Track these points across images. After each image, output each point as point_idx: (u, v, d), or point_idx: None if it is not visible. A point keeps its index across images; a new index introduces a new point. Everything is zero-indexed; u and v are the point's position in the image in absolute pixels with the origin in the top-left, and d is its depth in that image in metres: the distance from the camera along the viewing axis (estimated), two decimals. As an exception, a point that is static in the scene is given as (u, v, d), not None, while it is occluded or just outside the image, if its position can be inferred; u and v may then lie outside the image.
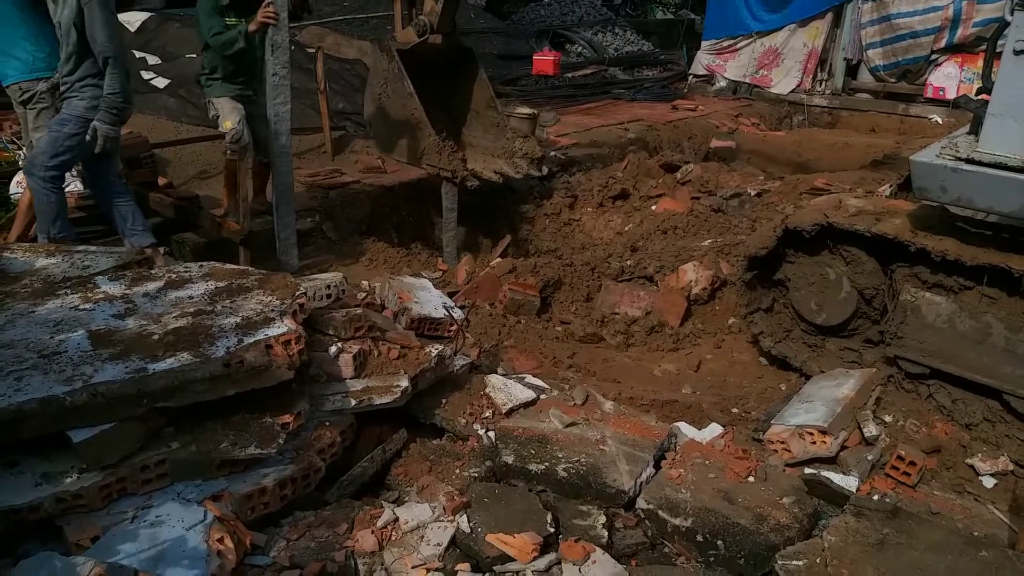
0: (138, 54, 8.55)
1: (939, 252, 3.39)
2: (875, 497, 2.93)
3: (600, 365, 4.41)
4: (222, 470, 2.64)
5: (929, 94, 10.45)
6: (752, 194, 6.75)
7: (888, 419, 3.48)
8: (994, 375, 3.40)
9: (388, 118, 5.73)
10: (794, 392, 3.84)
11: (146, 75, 7.71)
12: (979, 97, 3.40)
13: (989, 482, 3.17)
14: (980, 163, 3.18)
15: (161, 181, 5.73)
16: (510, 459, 3.02)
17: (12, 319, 2.89)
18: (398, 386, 3.21)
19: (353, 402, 3.10)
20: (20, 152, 5.37)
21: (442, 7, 5.27)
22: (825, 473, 3.09)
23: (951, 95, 10.22)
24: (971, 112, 3.41)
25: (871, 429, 3.32)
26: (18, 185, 5.14)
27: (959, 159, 3.25)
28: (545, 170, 6.13)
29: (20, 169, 5.12)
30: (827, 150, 9.44)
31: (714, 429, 3.39)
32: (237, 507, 2.57)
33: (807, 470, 3.12)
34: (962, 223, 3.45)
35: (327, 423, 3.01)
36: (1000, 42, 3.26)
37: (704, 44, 12.75)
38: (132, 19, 9.31)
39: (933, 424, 3.47)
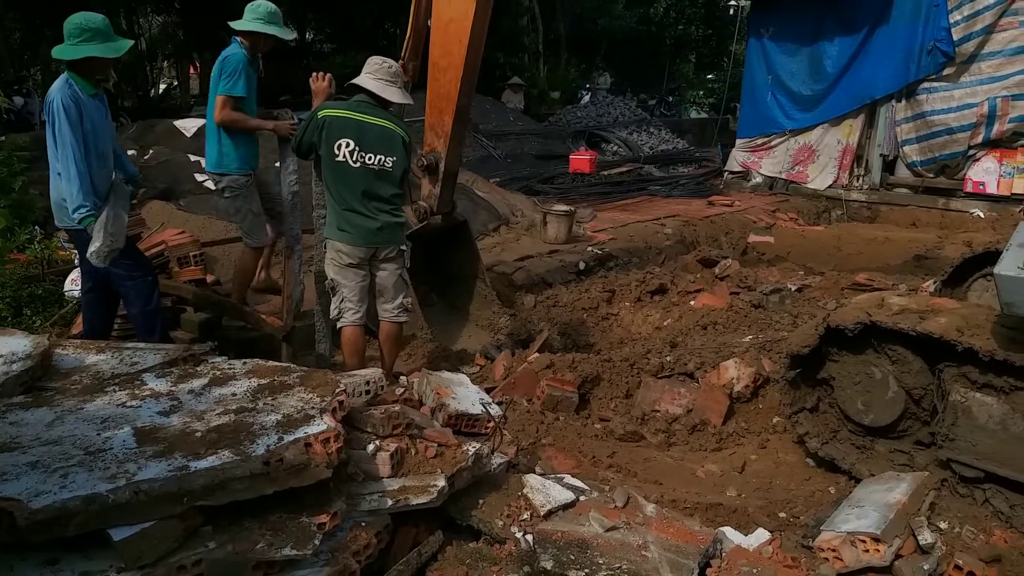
0: (192, 158, 9.03)
1: (987, 352, 3.30)
2: (935, 611, 2.78)
3: (641, 465, 4.32)
4: (257, 571, 2.61)
5: (969, 188, 10.43)
6: (792, 289, 6.71)
7: (943, 525, 3.33)
8: (1055, 480, 3.25)
9: None
10: (844, 496, 3.70)
11: (200, 177, 8.08)
12: None
13: (1057, 596, 2.99)
14: None
15: (209, 278, 5.91)
16: (549, 564, 2.94)
17: (61, 416, 2.96)
18: (435, 486, 3.17)
19: (389, 502, 3.07)
20: (75, 252, 5.55)
21: (440, 189, 5.29)
22: (880, 584, 2.95)
23: (991, 189, 10.21)
24: None
25: (926, 536, 3.17)
26: (72, 283, 5.32)
27: None
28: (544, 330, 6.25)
29: (75, 267, 5.30)
30: (867, 245, 9.40)
31: (761, 535, 3.26)
32: (271, 611, 2.52)
33: (861, 580, 2.98)
34: (1010, 324, 3.37)
35: (363, 523, 2.97)
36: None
37: (739, 142, 12.96)
38: (189, 125, 9.96)
39: (992, 531, 3.30)
